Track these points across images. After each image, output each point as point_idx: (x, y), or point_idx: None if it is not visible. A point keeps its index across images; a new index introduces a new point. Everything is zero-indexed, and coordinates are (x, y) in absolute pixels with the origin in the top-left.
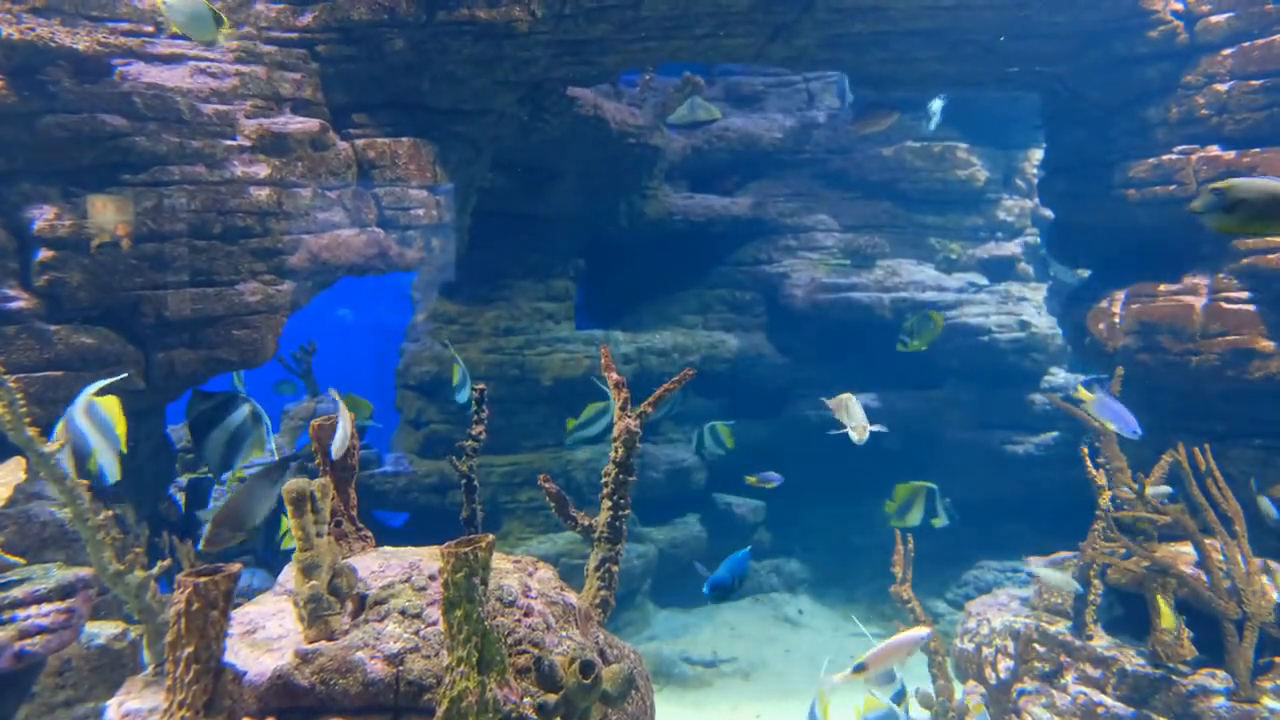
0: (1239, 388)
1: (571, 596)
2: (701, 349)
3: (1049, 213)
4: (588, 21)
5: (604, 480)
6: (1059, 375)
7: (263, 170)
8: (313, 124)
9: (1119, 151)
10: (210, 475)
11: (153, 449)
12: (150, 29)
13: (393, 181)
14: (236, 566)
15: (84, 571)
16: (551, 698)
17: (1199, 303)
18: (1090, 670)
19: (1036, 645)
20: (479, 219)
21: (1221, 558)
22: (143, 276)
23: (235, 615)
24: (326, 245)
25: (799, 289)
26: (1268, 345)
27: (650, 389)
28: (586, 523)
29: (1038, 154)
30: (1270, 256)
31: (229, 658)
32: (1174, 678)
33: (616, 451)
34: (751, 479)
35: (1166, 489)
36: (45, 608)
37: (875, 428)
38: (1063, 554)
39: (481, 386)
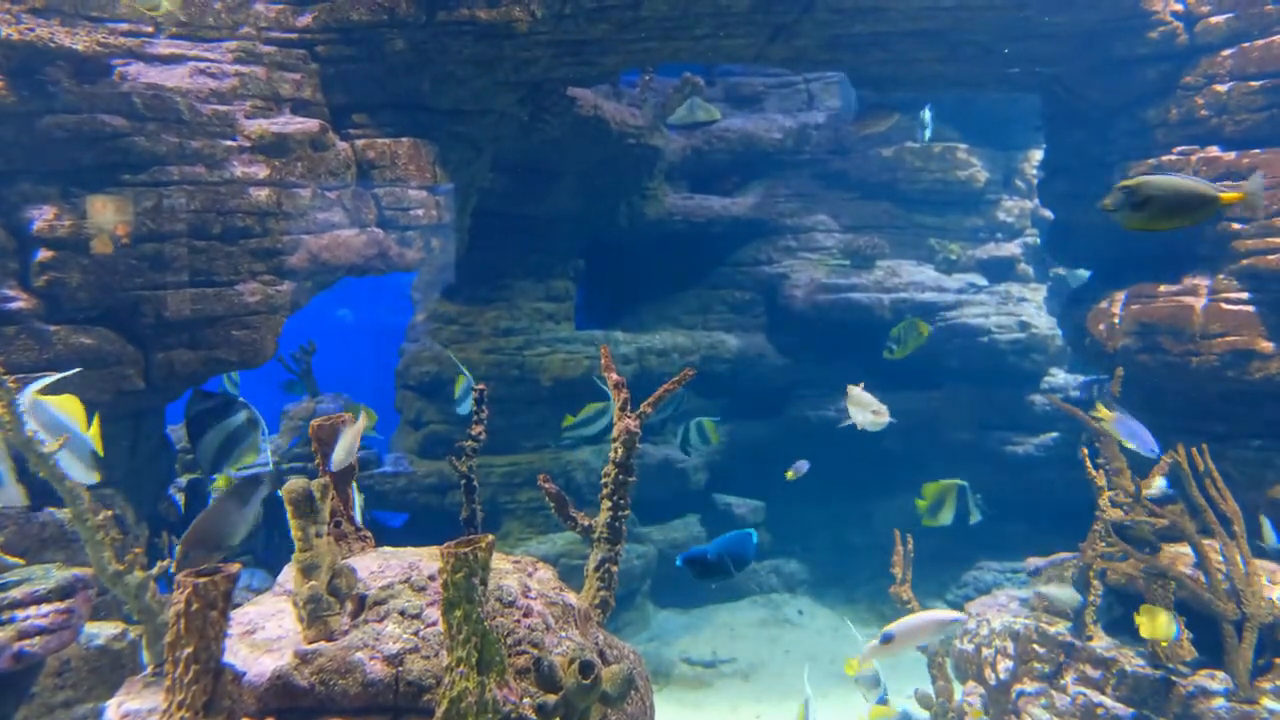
0: (1239, 388)
1: (571, 597)
2: (701, 349)
3: (1049, 213)
4: (588, 22)
5: (603, 481)
6: (1059, 376)
7: (262, 170)
8: (312, 124)
9: (1119, 152)
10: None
11: (152, 449)
12: (150, 29)
13: (392, 182)
14: (236, 567)
15: (83, 572)
16: (551, 698)
17: (1199, 303)
18: (1090, 671)
19: (1036, 646)
20: (479, 219)
21: (1221, 559)
22: (142, 277)
23: (235, 615)
24: (326, 245)
25: (799, 289)
26: (1267, 346)
27: (650, 389)
28: (586, 523)
29: (1038, 154)
30: (1270, 257)
31: (228, 658)
32: (1173, 679)
33: (616, 452)
34: (790, 473)
35: (1161, 481)
36: (44, 608)
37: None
38: (1062, 555)
39: (481, 387)
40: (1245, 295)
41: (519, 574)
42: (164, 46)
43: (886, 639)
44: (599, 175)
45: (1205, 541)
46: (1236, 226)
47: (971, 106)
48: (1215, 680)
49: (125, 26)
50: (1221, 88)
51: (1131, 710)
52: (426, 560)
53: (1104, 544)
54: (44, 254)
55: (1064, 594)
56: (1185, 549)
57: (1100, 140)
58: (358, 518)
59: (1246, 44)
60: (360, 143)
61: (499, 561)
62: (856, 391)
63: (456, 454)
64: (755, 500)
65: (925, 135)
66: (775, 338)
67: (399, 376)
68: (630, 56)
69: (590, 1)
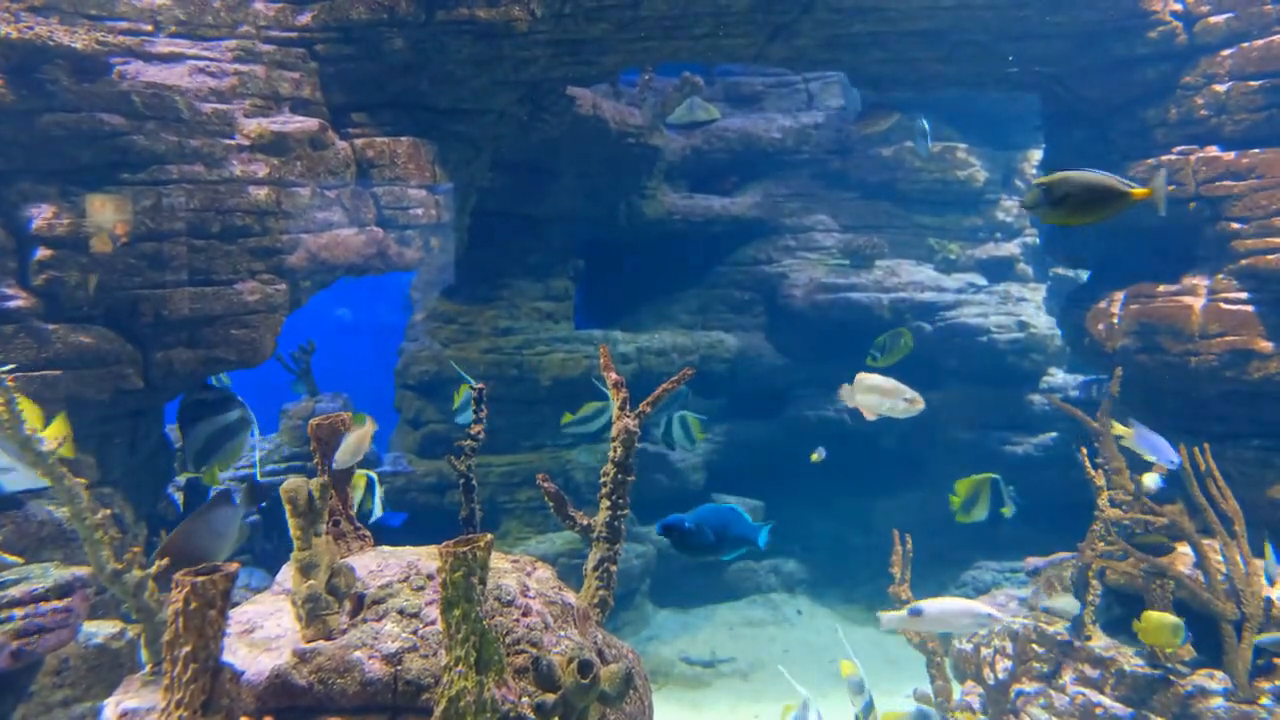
0: (1238, 388)
1: (570, 596)
2: (700, 349)
3: None
4: (587, 21)
5: (603, 480)
6: (1058, 375)
7: (261, 169)
8: (312, 123)
9: (1118, 152)
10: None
11: (151, 448)
12: (149, 28)
13: (392, 181)
14: (234, 566)
15: (81, 570)
16: (549, 697)
17: (1198, 303)
18: (1088, 671)
19: (1035, 646)
20: (478, 219)
21: (1220, 558)
22: (141, 276)
23: (233, 614)
24: (325, 245)
25: (798, 289)
26: (1266, 346)
27: (649, 389)
28: (585, 522)
29: (1037, 154)
30: (1269, 257)
31: (227, 657)
32: (1172, 678)
33: (615, 451)
34: (815, 455)
35: (1156, 477)
36: (43, 607)
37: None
38: (1062, 554)
39: (481, 386)
40: (1244, 295)
41: (518, 573)
42: (163, 45)
43: (915, 613)
44: (598, 174)
45: (1204, 541)
46: (1236, 227)
47: (971, 106)
48: (1214, 680)
49: (124, 25)
50: (1221, 87)
51: (1130, 710)
52: (425, 559)
53: (1103, 543)
54: (43, 252)
55: (1068, 606)
56: (1185, 548)
57: (1100, 140)
58: (377, 512)
59: (1246, 44)
60: (359, 142)
61: (498, 561)
62: (873, 378)
63: (455, 453)
64: (755, 500)
65: (926, 146)
66: (774, 337)
67: (398, 376)
68: (629, 56)
69: (590, 1)
